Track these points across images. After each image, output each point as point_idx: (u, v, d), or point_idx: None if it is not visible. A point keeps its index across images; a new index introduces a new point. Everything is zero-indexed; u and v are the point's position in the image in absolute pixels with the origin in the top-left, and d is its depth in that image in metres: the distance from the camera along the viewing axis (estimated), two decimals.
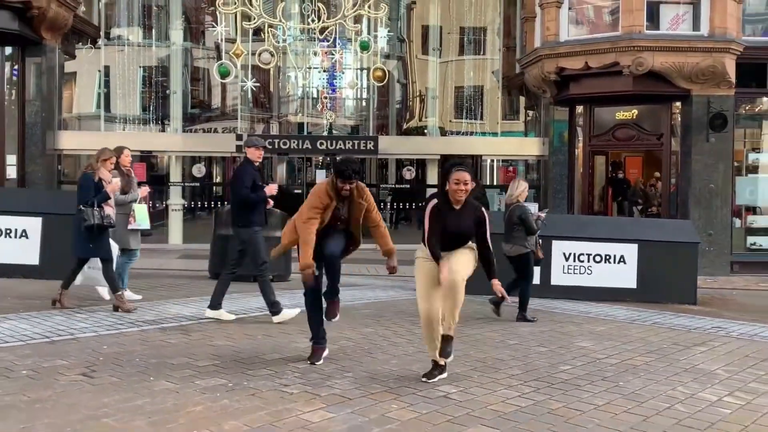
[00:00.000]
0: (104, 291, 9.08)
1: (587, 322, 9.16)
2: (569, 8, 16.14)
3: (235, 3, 17.34)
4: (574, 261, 11.23)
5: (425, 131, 21.30)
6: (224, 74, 17.58)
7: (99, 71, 19.60)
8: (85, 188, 8.25)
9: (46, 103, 15.57)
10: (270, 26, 17.58)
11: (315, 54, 19.08)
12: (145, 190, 9.46)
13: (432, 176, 18.59)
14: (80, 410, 4.79)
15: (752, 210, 16.33)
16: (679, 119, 16.00)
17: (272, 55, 17.59)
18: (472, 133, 20.11)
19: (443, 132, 20.79)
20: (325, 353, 6.42)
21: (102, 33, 18.88)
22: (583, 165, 16.94)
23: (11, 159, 15.13)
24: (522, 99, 20.88)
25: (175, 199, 18.05)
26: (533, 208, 17.22)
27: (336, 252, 6.21)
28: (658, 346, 7.74)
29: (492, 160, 21.46)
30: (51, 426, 4.49)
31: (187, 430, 4.50)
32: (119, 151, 9.02)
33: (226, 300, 8.36)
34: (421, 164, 20.03)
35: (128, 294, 9.07)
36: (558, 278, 11.15)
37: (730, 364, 7.00)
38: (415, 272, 5.97)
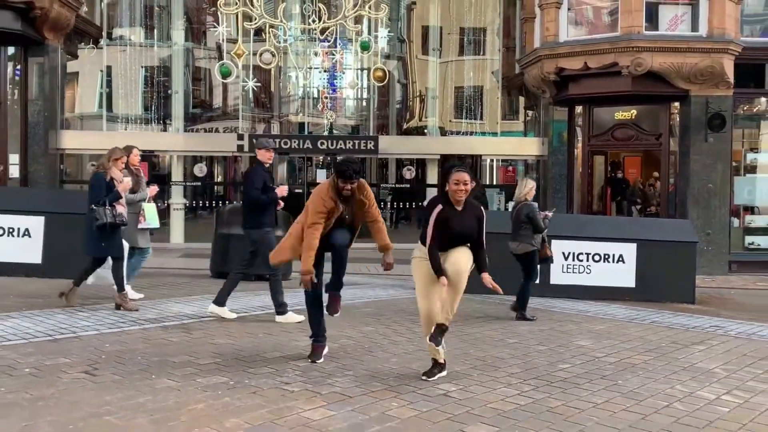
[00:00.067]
0: (127, 289, 9.13)
1: (586, 321, 9.16)
2: (568, 9, 16.13)
3: (237, 3, 17.34)
4: (574, 260, 11.23)
5: (425, 131, 21.30)
6: (225, 74, 17.59)
7: (101, 71, 19.61)
8: (97, 188, 8.27)
9: (49, 103, 15.56)
10: (271, 26, 17.58)
11: (316, 54, 19.08)
12: (153, 189, 9.51)
13: (432, 176, 18.59)
14: (82, 408, 4.80)
15: (750, 210, 16.32)
16: (678, 119, 16.00)
17: (273, 56, 17.59)
18: (471, 133, 20.11)
19: (443, 132, 20.79)
20: (325, 351, 6.43)
21: (104, 33, 18.88)
22: (582, 165, 16.93)
23: (14, 158, 15.12)
24: (521, 99, 20.89)
25: (177, 199, 18.05)
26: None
27: (344, 242, 6.23)
28: (656, 345, 7.74)
29: (492, 160, 21.47)
30: (53, 424, 4.49)
31: (189, 427, 4.51)
32: (128, 150, 9.02)
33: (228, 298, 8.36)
34: (421, 164, 20.04)
35: (127, 290, 9.09)
36: (557, 277, 11.16)
37: (728, 363, 7.00)
38: (412, 272, 5.97)
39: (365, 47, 17.96)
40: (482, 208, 5.96)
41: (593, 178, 17.26)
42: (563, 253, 11.16)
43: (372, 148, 18.15)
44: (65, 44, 16.07)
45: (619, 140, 16.57)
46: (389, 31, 19.80)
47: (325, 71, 19.34)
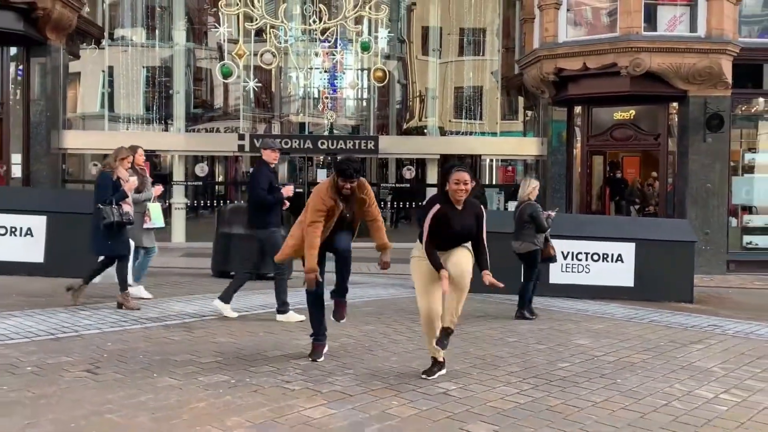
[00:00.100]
0: (140, 289, 9.16)
1: (585, 320, 9.17)
2: (568, 10, 16.13)
3: (238, 4, 17.35)
4: (572, 260, 11.23)
5: (425, 131, 21.29)
6: (227, 74, 17.61)
7: (103, 71, 19.62)
8: (104, 187, 8.28)
9: (51, 103, 15.56)
10: (272, 27, 17.59)
11: (316, 54, 19.08)
12: (159, 189, 9.54)
13: (432, 176, 18.59)
14: (84, 406, 4.80)
15: (748, 209, 16.31)
16: (676, 119, 16.00)
17: (274, 56, 17.60)
18: (471, 133, 20.10)
19: (443, 132, 20.79)
20: (326, 350, 6.43)
21: (106, 34, 18.89)
22: (581, 165, 16.93)
23: (16, 158, 15.12)
24: (521, 99, 20.89)
25: (178, 198, 18.05)
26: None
27: (348, 246, 6.23)
28: (655, 344, 7.74)
29: (491, 160, 21.47)
30: (55, 422, 4.49)
31: (190, 426, 4.51)
32: (133, 150, 9.02)
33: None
34: (420, 164, 20.04)
35: (139, 290, 9.14)
36: (556, 276, 11.15)
37: (726, 362, 7.00)
38: (411, 271, 5.95)
39: (365, 48, 17.98)
40: (482, 206, 5.94)
41: (592, 178, 17.26)
42: (562, 253, 11.14)
43: (372, 148, 18.16)
44: (67, 44, 16.07)
45: (618, 140, 16.57)
46: (389, 32, 19.81)
47: (325, 71, 19.34)
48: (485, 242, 5.82)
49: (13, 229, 11.07)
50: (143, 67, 19.62)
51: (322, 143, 18.04)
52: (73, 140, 17.11)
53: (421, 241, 5.82)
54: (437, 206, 5.76)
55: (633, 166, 18.69)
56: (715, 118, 15.18)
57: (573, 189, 17.02)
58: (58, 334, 6.92)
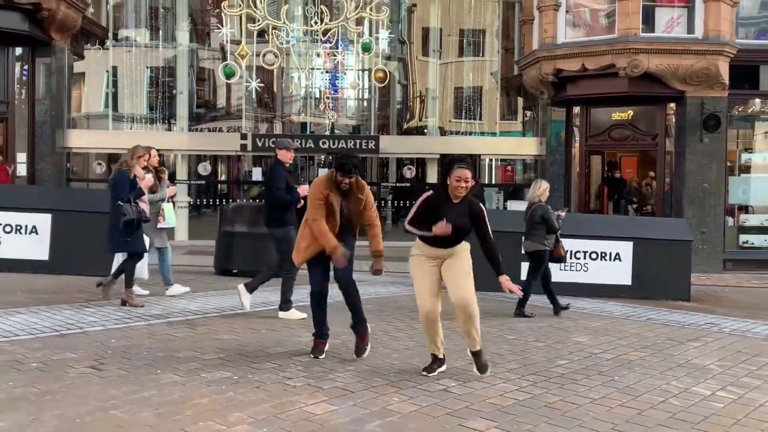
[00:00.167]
0: (179, 289, 9.22)
1: (583, 317, 9.17)
2: (566, 11, 16.13)
3: (240, 5, 17.35)
4: (571, 258, 11.21)
5: (425, 131, 21.29)
6: (229, 75, 17.60)
7: (107, 71, 19.60)
8: (121, 184, 8.29)
9: (56, 103, 15.57)
10: (274, 28, 17.58)
11: (318, 55, 19.06)
12: (173, 189, 9.57)
13: (432, 175, 18.58)
14: (89, 402, 4.80)
15: (745, 209, 16.32)
16: (674, 120, 16.00)
17: (276, 56, 17.60)
18: (471, 133, 20.10)
19: (443, 132, 20.78)
20: (327, 348, 6.43)
21: (110, 34, 18.88)
22: (580, 164, 16.94)
23: (21, 157, 15.14)
24: (520, 100, 20.87)
25: (181, 197, 18.04)
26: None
27: (347, 275, 6.19)
28: (652, 342, 7.74)
29: (490, 160, 21.44)
30: (60, 417, 4.49)
31: (194, 421, 4.51)
32: (147, 150, 9.01)
33: (228, 295, 8.36)
34: (421, 163, 20.03)
35: (176, 288, 9.24)
36: (555, 275, 11.05)
37: (723, 360, 7.00)
38: (411, 270, 5.92)
39: (366, 48, 17.98)
40: (481, 205, 5.88)
41: (590, 178, 17.27)
42: None
43: (373, 147, 18.16)
44: (72, 45, 16.07)
45: (616, 140, 16.57)
46: (390, 33, 19.80)
47: (326, 72, 19.33)
48: (493, 241, 5.74)
49: (19, 227, 11.08)
50: (147, 67, 19.62)
51: (324, 143, 18.04)
52: (78, 139, 17.12)
53: (406, 224, 5.78)
54: (431, 192, 5.75)
55: (631, 166, 18.69)
56: (712, 119, 15.17)
57: (571, 188, 17.03)
58: (63, 331, 6.93)
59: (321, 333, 6.44)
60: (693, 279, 11.66)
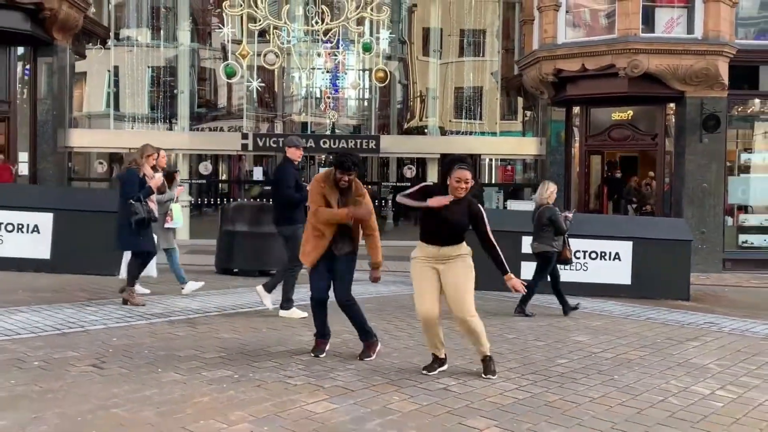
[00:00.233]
0: (194, 285, 9.26)
1: (583, 317, 9.17)
2: (566, 11, 16.12)
3: (241, 5, 17.34)
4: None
5: (425, 131, 21.28)
6: (230, 74, 17.59)
7: (108, 71, 19.59)
8: (131, 183, 8.29)
9: (57, 102, 15.57)
10: (275, 28, 17.58)
11: (318, 55, 19.06)
12: (180, 189, 9.57)
13: (432, 175, 18.57)
14: (90, 400, 4.80)
15: (744, 209, 16.31)
16: (673, 120, 15.99)
17: (277, 56, 17.60)
18: (471, 133, 20.09)
19: (443, 132, 20.77)
20: (327, 347, 6.43)
21: (111, 34, 18.86)
22: (580, 164, 16.93)
23: (23, 156, 15.14)
24: (520, 100, 20.87)
25: (182, 196, 17.99)
26: (527, 205, 17.28)
27: (344, 297, 6.22)
28: (652, 341, 7.74)
29: (490, 159, 21.43)
30: (62, 415, 4.50)
31: (194, 420, 4.51)
32: (156, 150, 8.99)
33: (229, 294, 8.35)
34: (421, 163, 20.03)
35: (191, 285, 9.24)
36: None
37: (722, 359, 7.00)
38: (411, 273, 5.92)
39: (367, 48, 17.97)
40: (480, 205, 5.87)
41: (590, 178, 17.27)
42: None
43: (373, 147, 18.17)
44: (73, 45, 16.07)
45: (616, 140, 16.56)
46: (390, 33, 19.80)
47: (327, 72, 19.33)
48: (494, 241, 5.73)
49: (20, 226, 11.09)
50: (148, 67, 19.61)
51: (324, 142, 18.04)
52: (79, 139, 17.12)
53: (422, 239, 5.79)
54: (432, 184, 5.76)
55: (631, 166, 18.68)
56: (711, 119, 15.17)
57: (571, 188, 17.03)
58: (65, 330, 6.93)
59: (322, 333, 6.45)
60: (692, 278, 11.67)
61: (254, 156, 21.43)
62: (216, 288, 9.92)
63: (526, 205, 17.32)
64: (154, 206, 8.46)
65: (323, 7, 17.86)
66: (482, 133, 20.03)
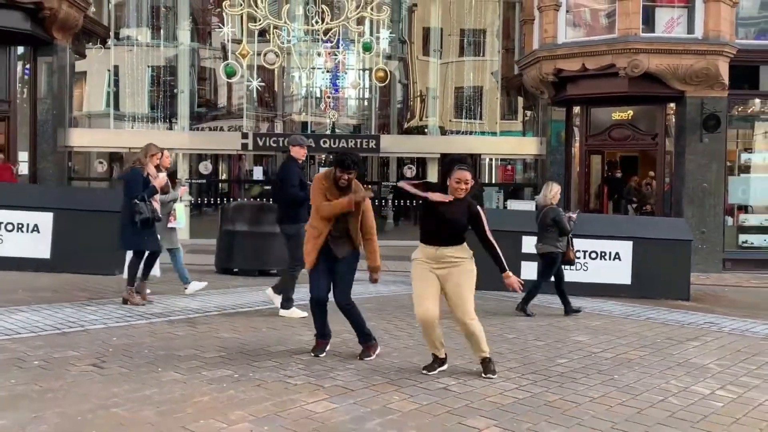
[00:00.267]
0: (197, 286, 9.28)
1: (583, 317, 9.17)
2: (567, 11, 16.12)
3: (241, 4, 17.34)
4: None
5: (426, 130, 21.27)
6: (230, 74, 17.60)
7: (108, 70, 19.58)
8: (135, 182, 8.28)
9: (57, 102, 15.57)
10: (275, 27, 17.58)
11: (319, 55, 19.05)
12: (183, 190, 9.57)
13: (432, 174, 18.56)
14: (90, 400, 4.81)
15: (744, 209, 16.31)
16: (674, 120, 15.99)
17: (277, 56, 17.60)
18: (471, 133, 20.10)
19: (443, 131, 20.77)
20: (328, 347, 6.43)
21: (111, 33, 18.87)
22: (580, 164, 16.93)
23: (23, 156, 15.14)
24: (520, 99, 20.87)
25: (184, 196, 18.03)
26: (527, 205, 17.28)
27: (343, 299, 6.24)
28: (652, 341, 7.74)
29: (491, 159, 21.44)
30: (62, 415, 4.50)
31: (194, 419, 4.52)
32: (160, 150, 8.97)
33: (228, 293, 8.35)
34: (421, 162, 20.03)
35: (195, 285, 9.25)
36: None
37: (722, 359, 7.01)
38: (411, 274, 5.92)
39: (367, 48, 17.98)
40: (479, 206, 5.87)
41: (590, 177, 17.26)
42: None
43: (374, 147, 18.18)
44: (73, 44, 16.07)
45: (616, 140, 16.56)
46: (391, 33, 19.79)
47: (327, 71, 19.33)
48: (493, 241, 5.75)
49: (20, 226, 11.09)
50: (148, 66, 19.61)
51: (325, 142, 18.04)
52: (79, 138, 17.13)
53: (422, 241, 5.80)
54: (431, 181, 5.77)
55: (631, 166, 18.68)
56: (711, 119, 15.17)
57: (571, 188, 17.03)
58: (65, 329, 6.94)
59: (322, 333, 6.45)
60: (692, 278, 11.67)
61: (254, 155, 21.42)
62: (216, 288, 9.93)
63: (526, 205, 17.34)
64: (157, 206, 8.45)
65: (323, 6, 17.86)
66: (482, 133, 20.03)
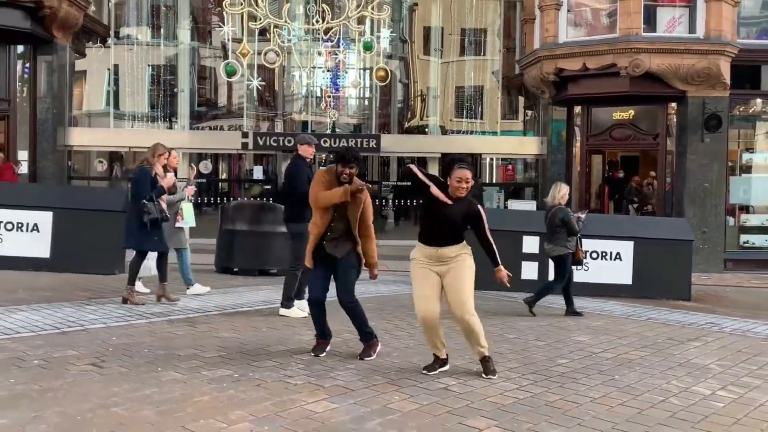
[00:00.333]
0: (200, 289, 9.27)
1: (584, 317, 9.16)
2: (568, 10, 16.12)
3: (242, 3, 17.34)
4: None
5: (426, 130, 21.29)
6: (231, 73, 17.60)
7: (108, 69, 19.60)
8: (143, 182, 8.28)
9: (57, 101, 15.58)
10: (275, 26, 17.58)
11: (319, 54, 19.06)
12: (191, 189, 9.53)
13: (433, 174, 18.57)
14: (90, 399, 4.81)
15: (745, 209, 16.31)
16: (675, 120, 16.00)
17: (277, 55, 17.60)
18: (472, 132, 20.12)
19: (444, 131, 20.79)
20: (328, 347, 6.43)
21: (111, 32, 18.89)
22: (581, 164, 16.93)
23: (23, 155, 15.15)
24: (521, 99, 20.88)
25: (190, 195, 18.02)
26: (528, 205, 17.29)
27: (346, 298, 6.22)
28: (653, 341, 7.75)
29: (491, 159, 21.45)
30: (62, 414, 4.50)
31: (195, 419, 4.52)
32: (167, 149, 8.94)
33: (229, 293, 8.34)
34: (422, 162, 20.03)
35: (197, 288, 9.22)
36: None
37: (723, 359, 7.01)
38: (411, 274, 5.93)
39: (368, 47, 17.97)
40: (480, 206, 5.88)
41: (591, 177, 17.26)
42: None
43: (374, 146, 18.19)
44: (73, 43, 16.08)
45: (617, 140, 16.56)
46: (391, 32, 19.81)
47: (328, 71, 19.34)
48: (491, 240, 5.76)
49: (20, 225, 11.09)
50: (148, 65, 19.63)
51: (325, 141, 18.04)
52: (79, 137, 17.15)
53: (420, 240, 5.81)
54: (441, 179, 5.79)
55: (632, 166, 18.68)
56: (713, 119, 15.17)
57: (572, 187, 16.99)
58: (64, 329, 6.94)
59: (323, 334, 6.45)
60: (693, 279, 11.67)
61: (254, 155, 21.42)
62: (216, 287, 9.93)
63: (526, 205, 17.37)
64: (165, 206, 8.45)
65: (324, 5, 17.85)
66: (483, 133, 20.05)
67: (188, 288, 9.28)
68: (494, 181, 20.82)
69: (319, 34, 18.00)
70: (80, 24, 15.59)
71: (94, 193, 13.45)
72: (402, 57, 23.38)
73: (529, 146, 18.71)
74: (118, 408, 4.67)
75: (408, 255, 6.03)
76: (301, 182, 7.99)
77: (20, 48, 15.12)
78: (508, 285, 5.88)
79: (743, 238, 16.05)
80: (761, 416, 5.20)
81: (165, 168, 8.71)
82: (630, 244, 11.31)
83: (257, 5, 17.31)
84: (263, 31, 17.98)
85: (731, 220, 16.02)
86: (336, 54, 18.84)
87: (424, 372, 5.83)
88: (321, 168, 6.39)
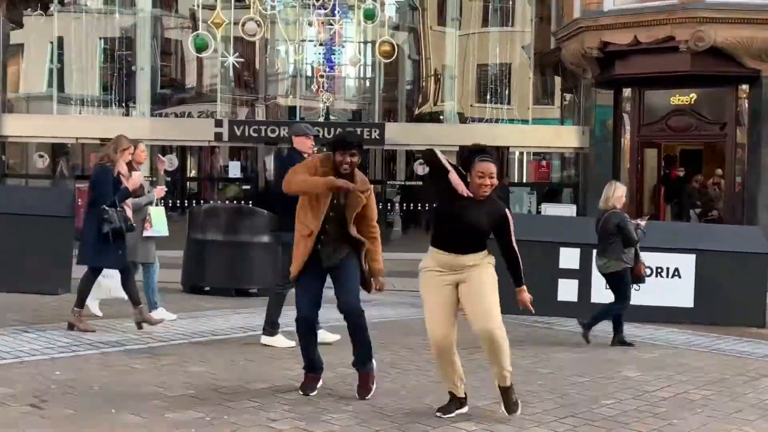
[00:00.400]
0: (165, 315, 9.18)
1: (635, 347, 9.17)
2: None
3: None
4: None
5: (441, 118, 21.34)
6: (201, 48, 17.64)
7: (51, 43, 19.69)
8: (105, 184, 8.16)
9: None
10: None
11: (310, 24, 19.16)
12: (161, 190, 9.46)
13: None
14: None
15: None
16: (746, 105, 16.02)
17: (258, 25, 17.65)
18: (497, 121, 20.15)
19: (463, 119, 20.84)
20: (320, 383, 6.44)
21: None
22: (631, 159, 16.97)
23: None
24: (558, 80, 20.93)
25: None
26: (566, 209, 17.29)
27: (353, 304, 6.19)
28: (719, 377, 7.74)
29: (521, 153, 21.49)
30: None
31: None
32: (132, 143, 8.87)
33: (199, 317, 8.35)
34: None
35: (161, 312, 9.08)
36: (599, 295, 11.05)
37: None
38: (420, 288, 5.91)
39: (369, 16, 17.97)
40: (507, 209, 5.89)
41: (644, 176, 17.27)
42: None
43: (377, 137, 18.20)
44: (7, 10, 16.14)
45: (676, 130, 16.60)
46: None
47: (320, 45, 19.42)
48: (517, 251, 5.76)
49: None
50: (100, 38, 19.73)
51: (317, 131, 18.08)
52: (15, 126, 17.23)
53: (433, 245, 5.81)
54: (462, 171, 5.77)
55: (694, 162, 18.71)
56: None
57: None
58: None
59: (312, 366, 6.43)
60: None
61: (230, 148, 21.48)
62: (184, 310, 9.95)
63: (564, 210, 17.38)
64: (129, 211, 8.39)
65: None
66: (511, 121, 20.10)
67: (152, 312, 9.25)
68: (524, 181, 20.85)
69: (309, 0, 18.07)
70: None
71: (34, 195, 13.47)
72: (411, 28, 23.46)
73: (567, 138, 18.75)
74: None
75: (416, 270, 6.02)
76: None
77: None
78: (532, 311, 5.88)
79: None
80: None
81: (130, 165, 8.67)
82: (691, 258, 11.31)
83: None
84: None
85: None
86: (330, 24, 18.91)
87: (438, 415, 5.83)
88: (315, 155, 6.32)
